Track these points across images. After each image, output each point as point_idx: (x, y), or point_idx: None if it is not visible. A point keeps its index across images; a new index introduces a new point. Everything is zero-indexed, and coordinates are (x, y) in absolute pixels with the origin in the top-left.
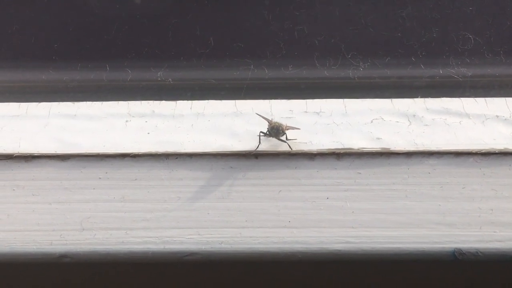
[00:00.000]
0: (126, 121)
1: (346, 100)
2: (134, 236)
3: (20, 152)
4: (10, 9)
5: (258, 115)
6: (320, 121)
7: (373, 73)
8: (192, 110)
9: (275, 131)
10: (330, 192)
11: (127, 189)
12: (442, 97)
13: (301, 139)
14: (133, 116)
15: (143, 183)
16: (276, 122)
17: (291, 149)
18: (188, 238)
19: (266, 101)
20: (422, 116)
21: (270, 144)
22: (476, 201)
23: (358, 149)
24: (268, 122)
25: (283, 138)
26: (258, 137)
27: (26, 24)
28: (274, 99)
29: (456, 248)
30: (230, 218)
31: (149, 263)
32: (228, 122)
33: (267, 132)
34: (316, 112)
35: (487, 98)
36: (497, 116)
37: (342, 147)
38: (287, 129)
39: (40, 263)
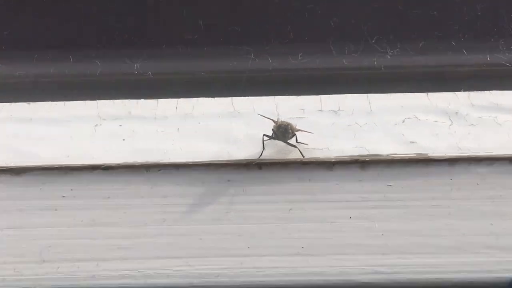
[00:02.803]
0: (96, 125)
1: (371, 95)
2: (107, 269)
3: None
4: None
5: (261, 115)
6: (339, 122)
7: (404, 61)
8: (178, 110)
9: (283, 131)
10: (353, 210)
11: (98, 209)
12: (491, 89)
13: (316, 144)
14: (104, 119)
15: (118, 202)
16: (284, 121)
17: (303, 156)
18: (176, 270)
19: (271, 98)
20: (467, 114)
21: (276, 151)
22: None
23: (388, 156)
24: (274, 122)
25: (293, 141)
26: (262, 141)
27: None
28: (281, 95)
29: None
30: (228, 245)
31: None
32: (224, 125)
33: (273, 135)
34: (334, 111)
35: None
36: None
37: (368, 153)
38: (298, 131)
39: None
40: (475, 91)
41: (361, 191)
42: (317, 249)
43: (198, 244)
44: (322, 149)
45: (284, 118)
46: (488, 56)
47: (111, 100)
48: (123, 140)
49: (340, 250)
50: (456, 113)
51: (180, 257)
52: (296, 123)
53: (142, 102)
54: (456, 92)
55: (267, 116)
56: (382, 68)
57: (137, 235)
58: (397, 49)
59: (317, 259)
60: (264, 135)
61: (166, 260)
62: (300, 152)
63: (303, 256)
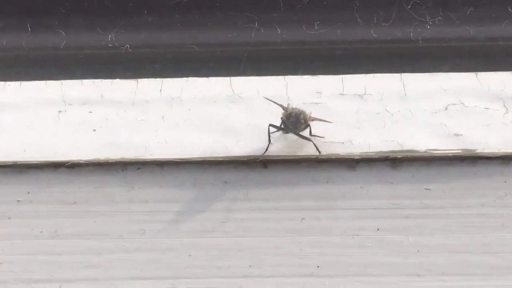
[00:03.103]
0: (60, 111)
1: (405, 75)
2: None
3: None
4: None
5: (267, 99)
6: (365, 108)
7: (447, 32)
8: (163, 93)
9: (294, 121)
10: (382, 220)
11: (61, 218)
12: None
13: (336, 137)
14: (70, 104)
15: (86, 209)
16: (295, 108)
17: (320, 152)
18: None
19: (279, 78)
20: None
21: (286, 145)
22: None
23: (426, 152)
24: (283, 109)
25: (307, 133)
26: (268, 133)
27: None
28: (292, 74)
29: None
30: (224, 262)
31: None
32: (220, 111)
33: (282, 125)
34: (359, 95)
35: None
36: None
37: (401, 149)
38: (313, 121)
39: None
40: None
41: (392, 196)
42: (336, 269)
43: (187, 262)
44: (343, 143)
45: (296, 103)
46: None
47: (79, 80)
48: (94, 130)
49: (365, 271)
50: None
51: (164, 278)
52: (311, 111)
53: (117, 82)
54: None
55: (274, 101)
56: (420, 41)
57: (110, 250)
58: (439, 17)
59: (335, 281)
60: (270, 125)
61: (146, 282)
62: (316, 147)
63: (318, 278)
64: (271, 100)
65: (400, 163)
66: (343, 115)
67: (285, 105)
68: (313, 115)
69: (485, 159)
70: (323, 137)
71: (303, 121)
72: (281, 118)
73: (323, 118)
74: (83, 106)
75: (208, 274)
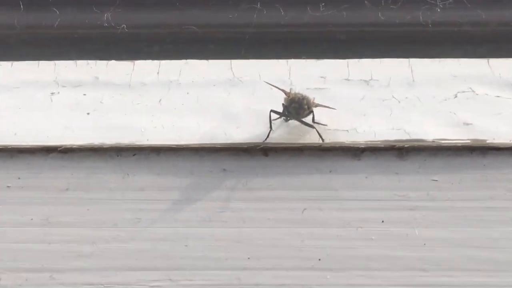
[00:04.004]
0: (52, 93)
1: (413, 60)
2: (64, 283)
3: None
4: None
5: (268, 84)
6: (371, 95)
7: (458, 16)
8: (161, 76)
9: (296, 107)
10: (387, 212)
11: (53, 205)
12: None
13: (340, 124)
14: (64, 86)
15: (79, 196)
16: (298, 93)
17: (323, 140)
18: (154, 286)
19: (282, 62)
20: None
21: (288, 132)
22: None
23: (434, 142)
24: (285, 94)
25: (309, 120)
26: (269, 119)
27: None
28: (295, 58)
29: None
30: (222, 254)
31: None
32: (220, 96)
33: (284, 111)
34: (365, 80)
35: None
36: None
37: (408, 138)
38: (316, 107)
39: None
40: None
41: (398, 187)
42: (338, 263)
43: (183, 252)
44: (348, 130)
45: (299, 89)
46: None
47: (73, 61)
48: (88, 114)
49: (368, 265)
50: None
51: (159, 269)
52: (314, 97)
53: (113, 64)
54: None
55: (276, 86)
56: (430, 25)
57: (104, 240)
58: (450, 0)
59: (337, 275)
60: (272, 111)
61: (140, 273)
62: (319, 135)
63: (319, 271)
64: (272, 85)
65: (407, 152)
66: (348, 101)
67: (288, 90)
68: (316, 101)
69: (495, 150)
70: (326, 125)
71: (306, 107)
72: (283, 103)
73: (326, 105)
74: (77, 88)
75: (205, 266)
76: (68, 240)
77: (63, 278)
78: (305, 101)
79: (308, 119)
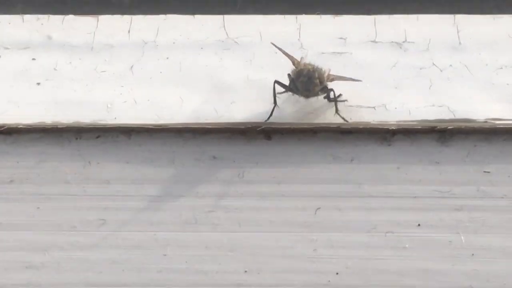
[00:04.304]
0: None
1: (460, 16)
2: None
3: None
4: None
5: (274, 46)
6: (405, 62)
7: None
8: (133, 35)
9: (305, 81)
10: (424, 213)
11: None
12: None
13: (364, 99)
14: (7, 48)
15: (27, 190)
16: (309, 64)
17: (347, 121)
18: None
19: (290, 19)
20: None
21: (297, 109)
22: None
23: (486, 122)
24: (293, 63)
25: (324, 94)
26: (273, 91)
27: None
28: (307, 13)
29: None
30: (211, 266)
31: None
32: (209, 62)
33: (290, 85)
34: (397, 43)
35: None
36: None
37: (452, 117)
38: (332, 81)
39: None
40: None
41: (439, 180)
42: (362, 278)
43: (161, 264)
44: (374, 107)
45: (312, 53)
46: None
47: (19, 16)
48: (38, 84)
49: (400, 281)
50: None
51: (130, 285)
52: (330, 68)
53: (71, 20)
54: None
55: (283, 50)
56: None
57: (59, 247)
58: None
59: None
60: (276, 82)
61: None
62: (338, 113)
63: None
64: (278, 48)
65: (451, 136)
66: (375, 70)
67: (297, 59)
68: (333, 74)
69: None
70: (346, 100)
71: (317, 81)
72: (289, 75)
73: (347, 77)
74: (24, 50)
75: (189, 281)
76: (12, 247)
77: None
78: (316, 74)
79: (322, 93)
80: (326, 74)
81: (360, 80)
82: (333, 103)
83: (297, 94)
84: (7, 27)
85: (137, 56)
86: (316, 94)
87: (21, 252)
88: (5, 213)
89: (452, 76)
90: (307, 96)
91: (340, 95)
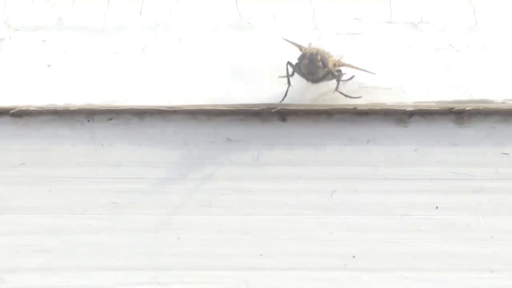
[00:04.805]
0: (2, 39)
1: None
2: (18, 286)
3: None
4: None
5: (286, 40)
6: (421, 42)
7: None
8: (144, 16)
9: (307, 64)
10: (442, 195)
11: (2, 185)
12: None
13: (381, 80)
14: (17, 30)
15: (38, 173)
16: (314, 48)
17: (350, 96)
18: None
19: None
20: None
21: (312, 90)
22: None
23: (504, 103)
24: (299, 49)
25: (331, 81)
26: (286, 72)
27: None
28: None
29: None
30: (225, 250)
31: None
32: (223, 43)
33: (296, 68)
34: (413, 23)
35: None
36: None
37: (470, 98)
38: (341, 66)
39: None
40: None
41: (457, 162)
42: (378, 261)
43: (174, 247)
44: (390, 89)
45: (326, 35)
46: None
47: None
48: (49, 66)
49: (417, 263)
50: None
51: (143, 269)
52: (342, 55)
53: (81, 1)
54: None
55: (294, 42)
56: None
57: (70, 230)
58: None
59: (377, 276)
60: (289, 63)
61: (117, 274)
62: (338, 90)
63: (353, 272)
64: (290, 41)
65: (469, 117)
66: (391, 50)
67: (304, 46)
68: (343, 61)
69: None
70: (354, 76)
71: (319, 64)
72: (298, 58)
73: (359, 67)
74: (34, 32)
75: (203, 265)
76: (23, 231)
77: (17, 280)
78: (319, 57)
79: (329, 79)
80: (332, 59)
81: (374, 73)
82: (346, 83)
83: (304, 78)
84: (18, 9)
85: (149, 38)
86: (323, 79)
87: (32, 236)
88: (16, 197)
89: (469, 56)
90: (312, 80)
91: (353, 76)
